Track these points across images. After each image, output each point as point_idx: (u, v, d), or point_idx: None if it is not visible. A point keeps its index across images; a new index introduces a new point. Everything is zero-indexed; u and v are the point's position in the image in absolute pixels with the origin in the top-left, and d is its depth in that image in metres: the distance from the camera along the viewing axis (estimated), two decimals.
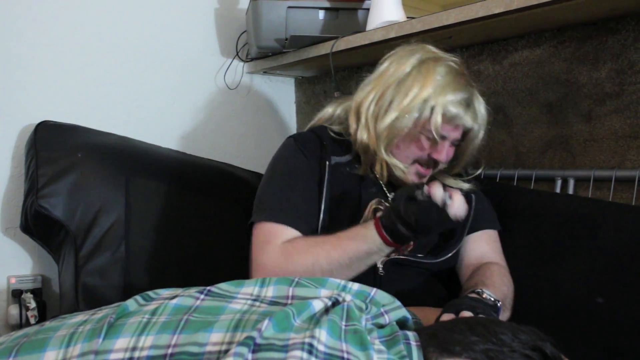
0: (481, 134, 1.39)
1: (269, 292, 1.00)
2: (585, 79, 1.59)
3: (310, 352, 0.79)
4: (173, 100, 2.15)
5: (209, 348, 0.83)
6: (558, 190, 1.60)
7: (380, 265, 1.31)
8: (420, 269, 1.36)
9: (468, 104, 1.34)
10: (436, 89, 1.31)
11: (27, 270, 1.89)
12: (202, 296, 0.97)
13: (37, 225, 1.72)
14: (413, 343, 0.88)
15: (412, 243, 1.33)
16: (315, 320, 0.90)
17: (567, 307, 1.31)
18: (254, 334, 0.82)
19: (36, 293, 1.83)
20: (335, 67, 1.95)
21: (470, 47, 1.85)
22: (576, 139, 1.61)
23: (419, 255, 1.35)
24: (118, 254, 1.69)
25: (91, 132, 1.85)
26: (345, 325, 0.88)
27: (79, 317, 0.97)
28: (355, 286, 1.04)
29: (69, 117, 1.85)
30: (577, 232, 1.39)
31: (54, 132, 1.78)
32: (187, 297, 0.97)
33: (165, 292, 1.02)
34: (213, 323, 0.87)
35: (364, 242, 1.23)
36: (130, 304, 0.97)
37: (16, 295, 1.81)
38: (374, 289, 1.04)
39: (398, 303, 1.02)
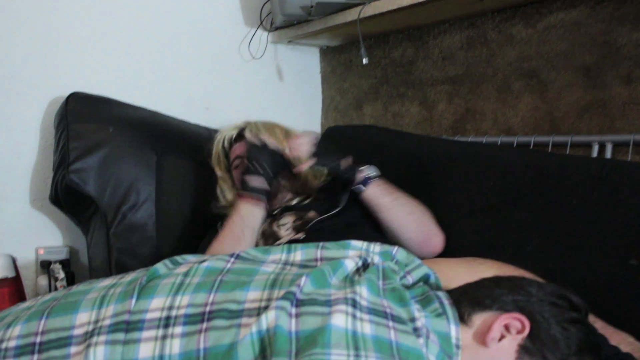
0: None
1: (297, 256, 0.99)
2: (625, 40, 1.53)
3: (354, 306, 0.79)
4: (197, 71, 2.13)
5: (247, 305, 0.82)
6: (595, 156, 1.55)
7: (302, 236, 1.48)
8: (338, 224, 1.51)
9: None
10: None
11: (55, 242, 1.89)
12: (232, 259, 0.97)
13: (67, 198, 1.72)
14: (446, 301, 0.90)
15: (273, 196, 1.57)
16: (349, 280, 0.90)
17: (599, 269, 1.28)
18: (294, 289, 0.82)
19: (64, 264, 1.84)
20: (362, 34, 1.91)
21: (502, 11, 1.79)
22: (615, 103, 1.56)
23: (326, 215, 1.53)
24: (149, 233, 1.69)
25: (122, 106, 1.83)
26: (383, 285, 0.89)
27: (108, 281, 0.96)
28: (377, 248, 1.03)
29: (94, 88, 1.84)
30: (610, 195, 1.35)
31: (85, 104, 1.77)
32: (217, 261, 0.96)
33: (192, 258, 1.02)
34: (249, 282, 0.87)
35: (234, 211, 1.47)
36: (160, 267, 0.97)
37: (45, 266, 1.82)
38: (395, 247, 1.04)
39: (418, 261, 1.02)
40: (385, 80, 2.18)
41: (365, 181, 1.49)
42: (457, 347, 0.85)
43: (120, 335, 0.81)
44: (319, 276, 0.87)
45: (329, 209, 1.54)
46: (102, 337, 0.81)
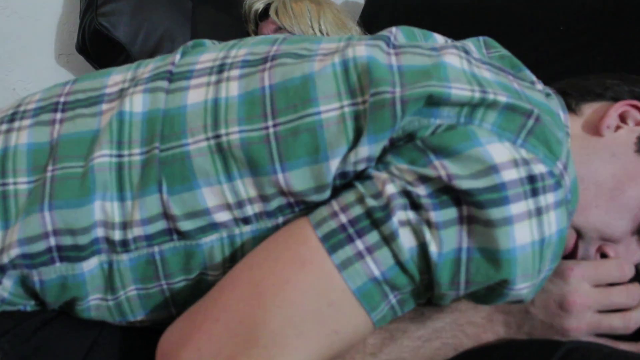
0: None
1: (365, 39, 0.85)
2: None
3: (467, 53, 0.65)
4: None
5: (323, 52, 0.67)
6: None
7: None
8: None
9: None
10: None
11: None
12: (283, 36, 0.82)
13: (94, 46, 1.59)
14: (550, 89, 0.77)
15: None
16: None
17: None
18: (386, 37, 0.67)
19: None
20: None
21: None
22: None
23: None
24: None
25: None
26: (488, 53, 0.75)
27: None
28: None
29: None
30: None
31: None
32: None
33: None
34: (320, 40, 0.72)
35: None
36: (206, 40, 0.82)
37: None
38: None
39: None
40: None
41: None
42: (567, 134, 0.73)
43: (163, 84, 0.67)
44: (410, 33, 0.74)
45: None
46: (140, 87, 0.67)
